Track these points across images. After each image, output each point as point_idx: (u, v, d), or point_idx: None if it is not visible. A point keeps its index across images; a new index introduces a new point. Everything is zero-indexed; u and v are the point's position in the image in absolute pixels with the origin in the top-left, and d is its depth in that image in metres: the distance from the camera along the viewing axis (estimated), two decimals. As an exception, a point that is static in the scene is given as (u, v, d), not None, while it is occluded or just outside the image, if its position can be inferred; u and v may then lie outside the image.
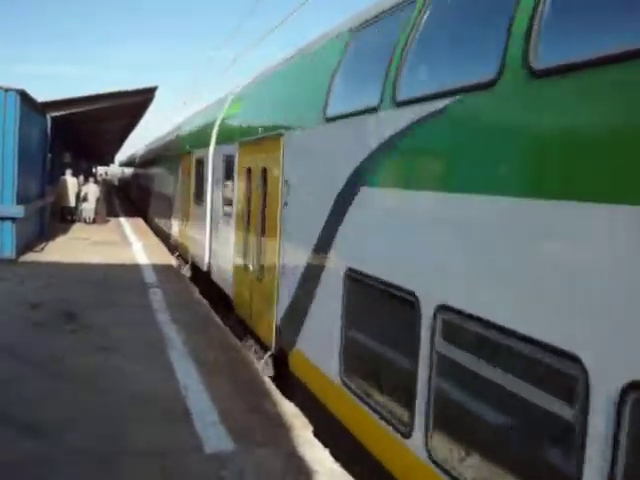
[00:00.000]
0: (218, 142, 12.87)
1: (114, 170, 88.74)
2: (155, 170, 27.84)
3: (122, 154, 75.01)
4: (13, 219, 15.86)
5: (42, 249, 18.13)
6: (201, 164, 14.09)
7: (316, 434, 6.30)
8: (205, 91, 63.67)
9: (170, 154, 21.54)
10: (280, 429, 6.37)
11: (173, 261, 18.08)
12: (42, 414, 6.37)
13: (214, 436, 6.07)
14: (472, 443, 4.08)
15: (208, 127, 14.17)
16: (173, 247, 19.85)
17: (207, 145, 13.45)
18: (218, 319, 11.05)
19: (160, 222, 24.63)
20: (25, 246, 17.29)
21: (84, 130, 31.38)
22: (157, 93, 24.46)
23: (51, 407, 6.57)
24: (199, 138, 15.32)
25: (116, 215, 32.75)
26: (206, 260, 13.63)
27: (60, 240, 20.71)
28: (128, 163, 61.43)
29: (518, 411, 3.75)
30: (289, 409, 6.91)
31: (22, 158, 16.13)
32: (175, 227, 19.67)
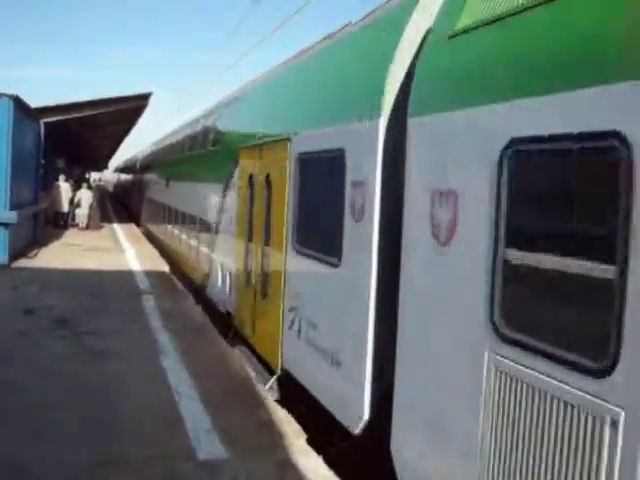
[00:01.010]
0: (420, 108, 4.94)
1: (108, 176, 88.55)
2: (171, 176, 20.27)
3: (116, 160, 74.93)
4: (6, 225, 15.83)
5: (35, 255, 18.07)
6: (327, 165, 6.72)
7: (309, 441, 6.27)
8: (200, 96, 63.50)
9: (208, 151, 14.16)
10: (273, 436, 6.34)
11: (166, 268, 17.96)
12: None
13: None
14: None
15: (351, 81, 6.73)
16: (229, 320, 10.85)
17: (361, 118, 5.84)
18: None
19: (184, 261, 16.82)
20: (18, 252, 17.21)
21: (78, 136, 31.33)
22: (152, 97, 24.54)
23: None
24: (319, 108, 7.51)
25: (110, 221, 32.69)
26: (366, 402, 5.59)
27: (53, 246, 20.63)
28: (125, 168, 55.37)
29: None
30: (282, 416, 6.89)
31: (15, 164, 16.09)
32: (223, 281, 11.47)
